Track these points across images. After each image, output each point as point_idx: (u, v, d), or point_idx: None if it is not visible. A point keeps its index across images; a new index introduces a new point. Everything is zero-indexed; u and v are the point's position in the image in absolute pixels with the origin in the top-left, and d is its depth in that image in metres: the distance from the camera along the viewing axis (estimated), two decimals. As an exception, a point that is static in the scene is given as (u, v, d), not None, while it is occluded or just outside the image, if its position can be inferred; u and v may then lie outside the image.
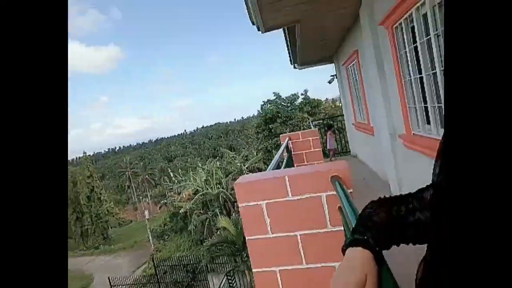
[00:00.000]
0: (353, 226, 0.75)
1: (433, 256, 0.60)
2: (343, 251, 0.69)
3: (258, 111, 24.58)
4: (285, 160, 3.65)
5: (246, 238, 1.80)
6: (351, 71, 7.99)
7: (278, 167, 2.68)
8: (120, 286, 16.12)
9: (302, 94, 24.01)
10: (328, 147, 9.61)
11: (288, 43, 7.33)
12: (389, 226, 0.71)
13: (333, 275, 0.63)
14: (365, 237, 0.68)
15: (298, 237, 1.69)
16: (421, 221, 0.70)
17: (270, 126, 21.06)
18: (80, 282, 26.21)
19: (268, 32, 4.98)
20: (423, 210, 0.70)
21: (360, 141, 8.32)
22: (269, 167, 2.37)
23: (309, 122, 12.12)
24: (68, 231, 39.76)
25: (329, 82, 10.97)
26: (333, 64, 10.22)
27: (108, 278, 16.19)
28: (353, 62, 7.42)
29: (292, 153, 5.17)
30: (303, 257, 1.69)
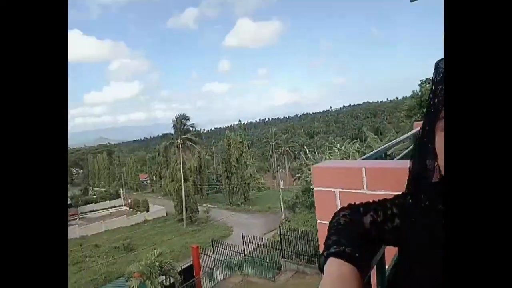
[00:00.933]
0: (327, 237, 0.67)
1: (405, 263, 0.60)
2: (321, 266, 0.62)
3: (414, 91, 21.73)
4: (405, 151, 3.24)
5: (317, 221, 1.78)
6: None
7: (384, 157, 2.44)
8: (250, 244, 18.18)
9: (474, 74, 19.65)
10: None
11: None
12: (365, 233, 0.69)
13: None
14: (343, 248, 0.60)
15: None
16: (400, 228, 0.68)
17: (424, 110, 18.42)
18: (224, 231, 31.46)
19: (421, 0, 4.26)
20: (402, 216, 0.68)
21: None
22: (368, 154, 2.18)
23: None
24: (219, 186, 47.05)
25: None
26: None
27: (241, 234, 18.46)
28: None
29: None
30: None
